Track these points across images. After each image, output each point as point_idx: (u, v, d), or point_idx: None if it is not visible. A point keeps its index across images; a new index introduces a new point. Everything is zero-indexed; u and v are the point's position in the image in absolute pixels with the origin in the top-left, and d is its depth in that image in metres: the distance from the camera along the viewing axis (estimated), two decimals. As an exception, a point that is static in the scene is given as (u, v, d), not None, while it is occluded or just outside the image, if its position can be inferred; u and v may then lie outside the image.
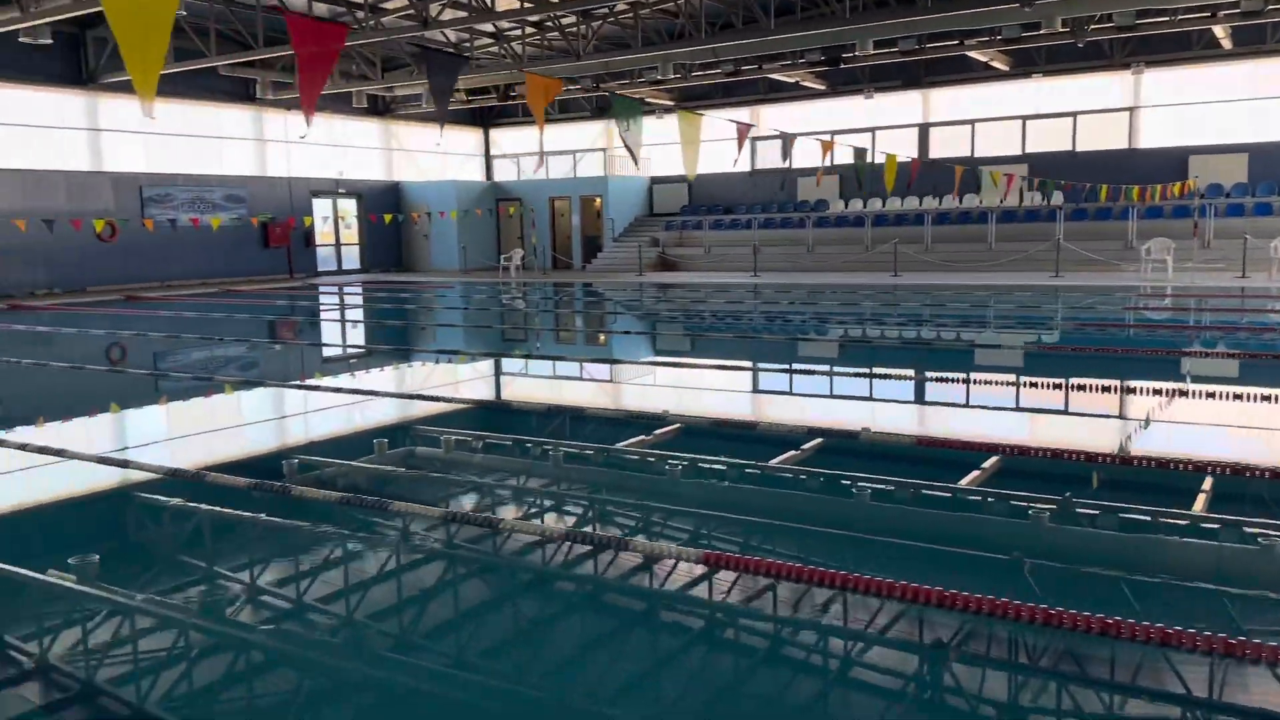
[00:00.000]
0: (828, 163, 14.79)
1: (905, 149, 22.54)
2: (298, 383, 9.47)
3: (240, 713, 2.94)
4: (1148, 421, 6.47)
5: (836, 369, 9.39)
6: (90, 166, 21.66)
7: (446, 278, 25.54)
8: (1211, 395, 7.60)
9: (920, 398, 7.98)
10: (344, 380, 9.44)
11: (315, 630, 3.49)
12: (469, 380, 9.48)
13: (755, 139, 25.88)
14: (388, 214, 26.80)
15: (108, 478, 5.37)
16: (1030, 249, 20.73)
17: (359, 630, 3.45)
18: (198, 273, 23.38)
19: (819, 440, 5.64)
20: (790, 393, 8.41)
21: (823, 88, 25.53)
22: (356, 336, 14.19)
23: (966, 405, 7.58)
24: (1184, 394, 7.60)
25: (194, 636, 3.34)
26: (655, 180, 28.99)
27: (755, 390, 8.67)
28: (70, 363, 10.65)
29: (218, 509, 4.47)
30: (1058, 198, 21.95)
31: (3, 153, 20.03)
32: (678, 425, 6.13)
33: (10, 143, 20.17)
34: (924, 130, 25.10)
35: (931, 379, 8.49)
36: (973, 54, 21.37)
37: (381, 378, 9.64)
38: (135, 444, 6.75)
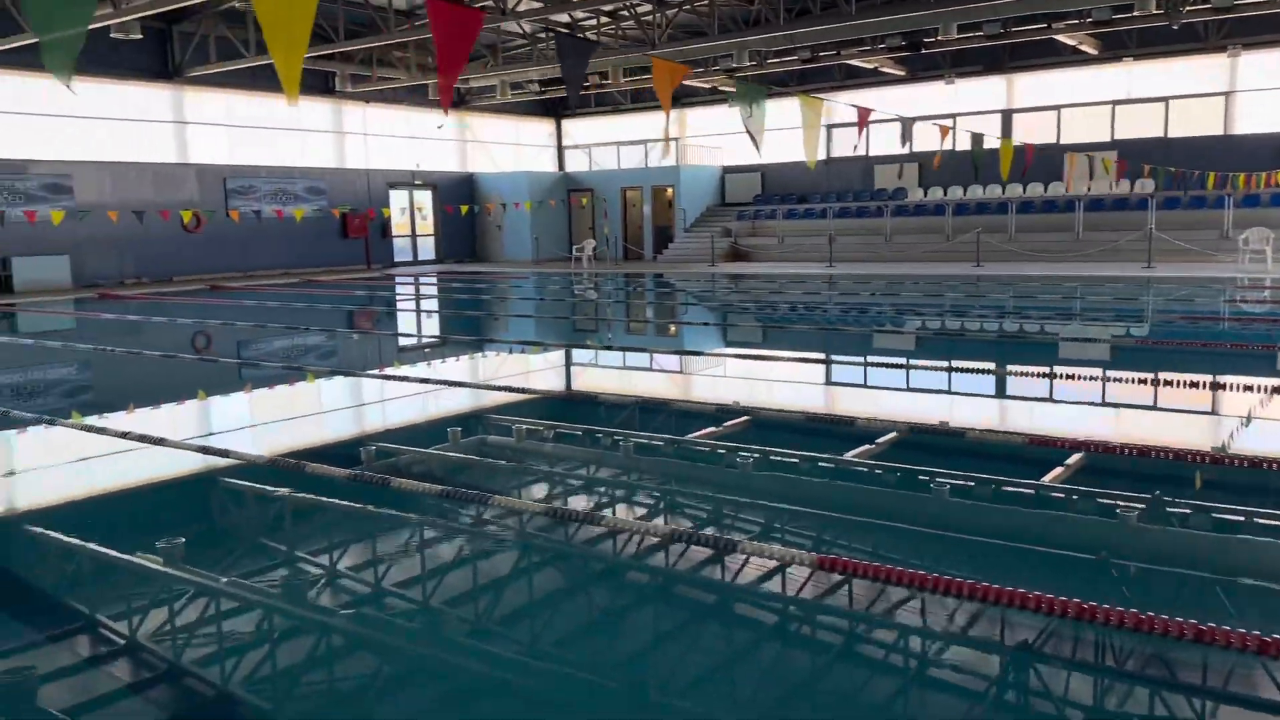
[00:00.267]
0: (947, 146, 14.59)
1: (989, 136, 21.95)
2: (375, 372, 9.65)
3: (319, 695, 2.99)
4: (1248, 419, 6.19)
5: (914, 362, 9.20)
6: (176, 159, 22.39)
7: (519, 268, 25.77)
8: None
9: (1001, 391, 7.77)
10: (420, 369, 9.59)
11: (392, 615, 3.54)
12: (540, 370, 9.55)
13: (830, 126, 25.57)
14: (463, 205, 27.17)
15: (193, 463, 5.53)
16: (1120, 239, 20.05)
17: (434, 616, 3.50)
18: (279, 263, 24.02)
19: (893, 435, 5.52)
20: (866, 385, 8.27)
21: (902, 73, 25.04)
22: (432, 326, 14.41)
23: (1050, 400, 7.36)
24: (1283, 390, 7.24)
25: (275, 620, 3.41)
26: (727, 170, 28.81)
27: (828, 383, 8.54)
28: (159, 351, 11.02)
29: (298, 494, 4.57)
30: (1148, 186, 21.18)
31: (95, 145, 20.83)
32: (747, 418, 6.07)
33: (101, 135, 20.96)
34: (1007, 116, 24.43)
35: (1014, 373, 8.26)
36: (1060, 37, 20.71)
37: (456, 367, 9.76)
38: (219, 430, 6.95)
